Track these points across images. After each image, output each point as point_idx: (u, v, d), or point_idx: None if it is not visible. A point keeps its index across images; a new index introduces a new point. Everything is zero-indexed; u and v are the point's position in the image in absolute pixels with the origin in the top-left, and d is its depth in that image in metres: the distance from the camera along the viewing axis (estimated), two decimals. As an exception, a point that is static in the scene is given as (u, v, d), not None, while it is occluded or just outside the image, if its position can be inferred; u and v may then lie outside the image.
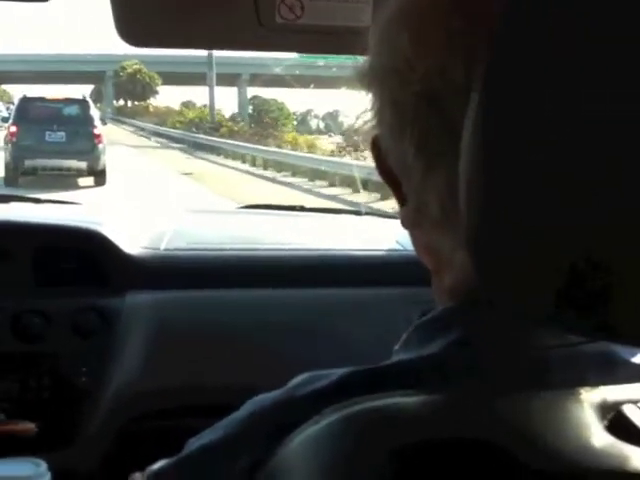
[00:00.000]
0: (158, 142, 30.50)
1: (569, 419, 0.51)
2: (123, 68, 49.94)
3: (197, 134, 29.15)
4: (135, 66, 49.31)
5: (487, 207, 0.48)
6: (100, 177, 15.25)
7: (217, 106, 39.17)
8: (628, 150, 0.43)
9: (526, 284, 0.48)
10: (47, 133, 15.59)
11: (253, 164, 21.54)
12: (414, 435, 0.51)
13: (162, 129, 34.68)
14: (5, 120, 24.47)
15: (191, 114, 37.01)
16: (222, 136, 27.31)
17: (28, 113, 15.68)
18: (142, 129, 37.76)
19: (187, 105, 48.79)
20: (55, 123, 15.68)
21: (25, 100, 16.21)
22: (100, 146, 15.70)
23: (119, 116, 48.51)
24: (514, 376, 0.56)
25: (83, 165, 15.46)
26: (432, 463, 0.50)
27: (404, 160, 0.62)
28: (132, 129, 39.93)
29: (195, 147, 26.48)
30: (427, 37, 0.59)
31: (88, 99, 16.99)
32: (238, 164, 22.18)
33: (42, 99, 16.46)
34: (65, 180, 14.75)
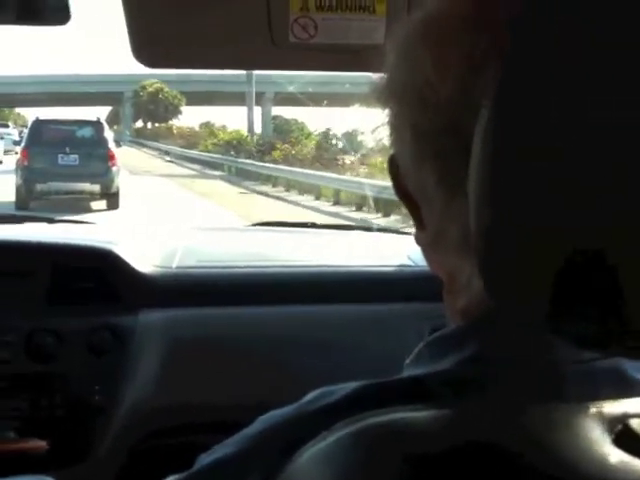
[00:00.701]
0: (191, 169, 27.02)
1: (578, 433, 0.51)
2: (143, 88, 47.81)
3: (239, 158, 25.03)
4: (156, 85, 47.41)
5: (496, 224, 0.48)
6: (113, 200, 14.87)
7: (236, 126, 36.85)
8: (634, 156, 0.43)
9: (537, 301, 0.48)
10: (60, 156, 15.31)
11: (336, 201, 15.69)
12: (423, 449, 0.51)
13: (192, 152, 31.76)
14: (17, 143, 24.42)
15: (226, 135, 32.78)
16: (274, 161, 22.44)
17: (41, 136, 15.41)
18: (166, 153, 35.13)
19: (207, 126, 46.03)
20: (68, 145, 15.39)
21: (38, 123, 15.86)
22: (114, 169, 15.33)
23: (139, 138, 46.10)
24: (527, 392, 0.56)
25: (96, 188, 15.19)
26: (442, 477, 0.50)
27: (424, 187, 0.61)
28: (154, 152, 37.65)
29: (239, 175, 22.71)
30: (449, 57, 0.58)
31: (102, 121, 16.53)
32: (312, 201, 16.63)
33: (55, 121, 16.19)
34: (77, 203, 14.33)
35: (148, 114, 50.26)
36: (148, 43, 1.10)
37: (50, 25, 1.09)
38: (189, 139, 38.97)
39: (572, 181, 0.45)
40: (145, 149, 40.45)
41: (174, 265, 1.87)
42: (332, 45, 1.08)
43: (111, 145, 15.90)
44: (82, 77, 45.78)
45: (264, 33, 1.06)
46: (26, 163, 14.97)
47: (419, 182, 0.62)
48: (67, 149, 15.27)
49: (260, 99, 39.04)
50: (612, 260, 0.45)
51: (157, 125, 50.89)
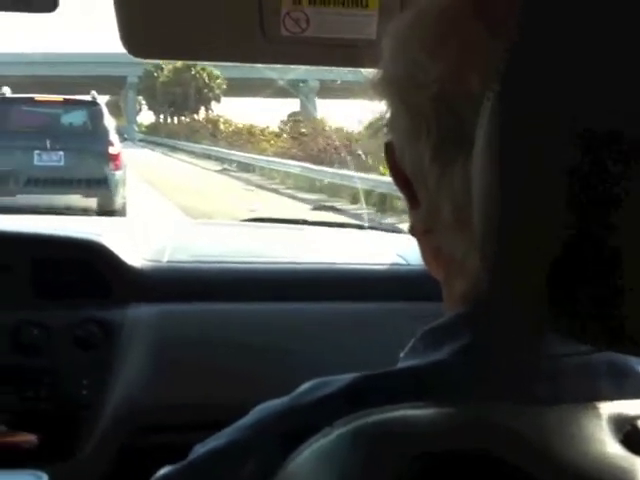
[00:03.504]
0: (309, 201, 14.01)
1: (583, 433, 0.50)
2: (158, 67, 32.99)
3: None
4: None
5: (499, 214, 0.48)
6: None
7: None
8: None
9: (535, 290, 0.47)
10: (36, 153, 10.45)
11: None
12: (424, 450, 0.51)
13: (292, 163, 18.40)
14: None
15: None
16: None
17: (8, 122, 10.42)
18: (226, 161, 22.89)
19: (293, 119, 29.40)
20: (49, 137, 10.43)
21: (2, 102, 10.69)
22: (117, 173, 10.41)
23: (152, 136, 32.28)
24: (524, 386, 0.56)
25: (91, 202, 9.96)
26: (441, 478, 0.49)
27: (420, 163, 0.62)
28: (187, 157, 25.44)
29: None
30: (441, 46, 0.60)
31: (99, 101, 11.41)
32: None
33: (29, 101, 11.02)
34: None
35: (169, 103, 34.84)
36: (137, 33, 1.09)
37: (37, 12, 1.08)
38: (248, 141, 26.78)
39: (577, 164, 0.44)
40: (170, 152, 28.10)
41: (165, 259, 1.86)
42: (324, 39, 1.08)
43: (113, 137, 10.84)
44: (71, 57, 35.16)
45: (255, 26, 1.06)
46: None
47: (414, 160, 0.63)
48: (47, 143, 10.45)
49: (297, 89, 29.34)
50: (613, 252, 0.44)
51: (184, 118, 34.57)
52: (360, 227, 2.51)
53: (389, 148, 0.67)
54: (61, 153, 10.57)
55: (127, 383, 1.68)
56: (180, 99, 34.26)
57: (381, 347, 1.64)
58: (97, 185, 10.18)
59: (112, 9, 1.05)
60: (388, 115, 0.66)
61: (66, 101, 11.26)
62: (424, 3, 0.64)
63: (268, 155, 22.01)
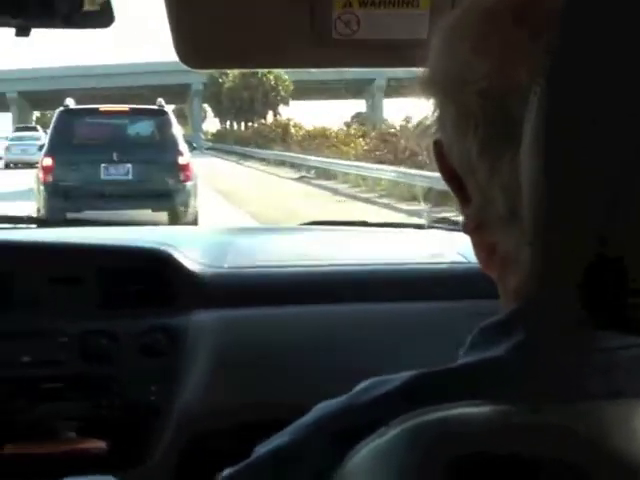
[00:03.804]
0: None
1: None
2: (223, 73, 31.15)
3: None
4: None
5: (550, 209, 0.48)
6: None
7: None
8: None
9: (585, 283, 0.47)
10: (103, 167, 10.00)
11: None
12: (479, 449, 0.50)
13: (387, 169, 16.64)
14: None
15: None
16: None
17: (72, 135, 10.01)
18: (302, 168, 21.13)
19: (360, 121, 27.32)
20: (115, 150, 9.98)
21: (67, 114, 10.23)
22: (188, 184, 9.98)
23: (220, 144, 30.78)
24: (577, 382, 0.55)
25: (162, 216, 9.86)
26: (498, 478, 0.49)
27: (468, 158, 0.63)
28: (259, 165, 24.15)
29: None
30: (487, 43, 0.61)
31: (167, 109, 10.72)
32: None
33: (94, 112, 10.66)
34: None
35: (236, 109, 33.04)
36: (191, 43, 1.11)
37: (94, 28, 1.10)
38: (308, 144, 25.26)
39: (626, 177, 0.44)
40: (241, 160, 26.88)
41: (226, 265, 1.88)
42: (375, 41, 1.08)
43: (183, 147, 10.33)
44: (132, 67, 34.34)
45: (307, 30, 1.07)
46: (50, 179, 9.73)
47: (463, 155, 0.64)
48: (114, 155, 10.01)
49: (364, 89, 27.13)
50: None
51: (252, 124, 32.64)
52: (419, 227, 2.50)
53: (437, 146, 0.67)
54: (129, 166, 10.05)
55: (193, 388, 1.70)
56: (247, 104, 32.62)
57: (442, 346, 1.63)
58: (167, 198, 9.69)
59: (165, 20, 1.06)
60: (436, 114, 0.67)
61: (132, 111, 10.81)
62: (468, 2, 0.65)
63: (349, 159, 20.04)
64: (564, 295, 0.49)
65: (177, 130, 10.51)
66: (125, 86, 30.61)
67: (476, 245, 0.68)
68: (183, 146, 10.32)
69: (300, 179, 20.19)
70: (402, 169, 15.71)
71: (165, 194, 9.70)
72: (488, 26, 0.62)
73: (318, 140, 26.19)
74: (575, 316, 0.51)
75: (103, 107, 10.95)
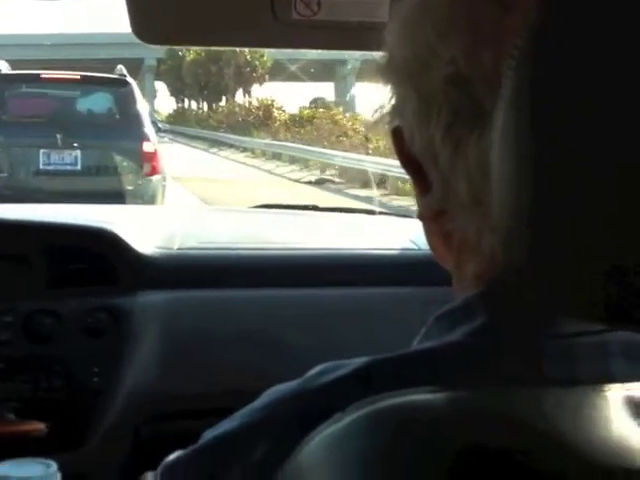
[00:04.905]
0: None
1: (600, 417, 0.50)
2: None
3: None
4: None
5: (517, 194, 0.47)
6: None
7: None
8: None
9: (550, 269, 0.46)
10: (42, 153, 7.54)
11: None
12: (438, 435, 0.50)
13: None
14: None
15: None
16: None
17: (2, 109, 7.64)
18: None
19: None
20: (60, 131, 7.51)
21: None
22: (154, 179, 7.63)
23: (179, 127, 25.51)
24: (539, 367, 0.55)
25: None
26: (459, 464, 0.49)
27: (431, 145, 0.61)
28: (240, 156, 18.98)
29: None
30: (452, 27, 0.58)
31: (130, 79, 8.07)
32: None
33: (33, 79, 8.05)
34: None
35: (199, 86, 26.95)
36: (147, 17, 1.08)
37: None
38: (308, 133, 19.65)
39: (600, 164, 0.43)
40: (212, 148, 21.17)
41: (175, 246, 1.86)
42: (336, 22, 1.07)
43: (149, 131, 7.83)
44: (81, 38, 31.21)
45: (267, 10, 1.05)
46: None
47: (425, 141, 0.62)
48: (58, 138, 7.49)
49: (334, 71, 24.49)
50: (624, 228, 0.43)
51: (220, 104, 26.54)
52: (371, 212, 2.50)
53: (397, 133, 0.65)
54: (77, 153, 7.59)
55: (137, 371, 1.68)
56: (214, 80, 27.01)
57: (392, 332, 1.64)
58: (126, 197, 7.28)
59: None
60: (393, 101, 0.65)
61: (84, 79, 8.07)
62: None
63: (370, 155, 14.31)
64: (526, 280, 0.48)
65: (142, 107, 7.98)
66: (71, 58, 27.03)
67: (430, 232, 0.66)
68: (150, 128, 7.83)
69: (321, 184, 14.47)
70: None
71: (123, 192, 7.37)
72: (456, 7, 0.59)
73: (310, 127, 20.69)
74: (538, 301, 0.51)
75: (46, 73, 8.11)
